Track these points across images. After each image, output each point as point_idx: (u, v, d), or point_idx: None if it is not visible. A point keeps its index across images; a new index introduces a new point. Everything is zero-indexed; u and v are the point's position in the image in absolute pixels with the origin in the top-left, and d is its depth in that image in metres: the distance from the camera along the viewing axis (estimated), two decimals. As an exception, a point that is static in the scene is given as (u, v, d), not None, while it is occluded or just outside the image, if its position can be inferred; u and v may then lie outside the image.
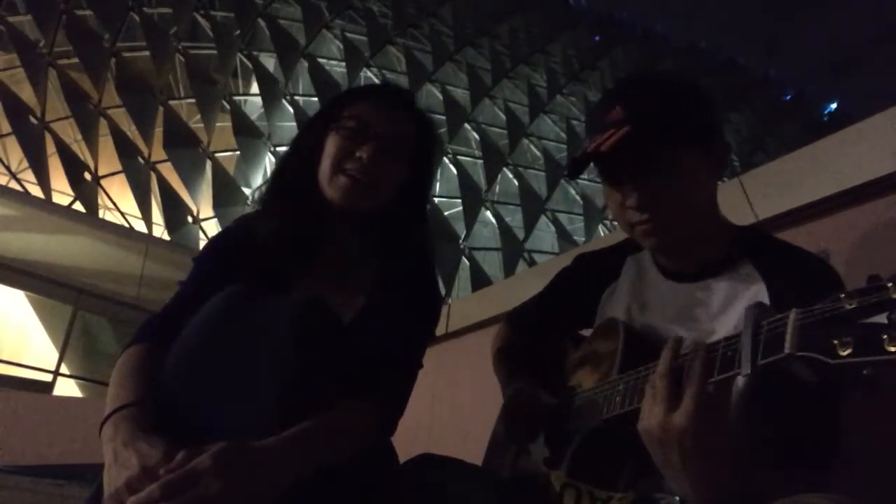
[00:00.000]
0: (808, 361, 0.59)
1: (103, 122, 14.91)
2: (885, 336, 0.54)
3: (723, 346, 0.71)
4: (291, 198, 1.11)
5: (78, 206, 13.60)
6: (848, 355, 0.56)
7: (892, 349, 0.53)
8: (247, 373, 0.89)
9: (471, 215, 16.45)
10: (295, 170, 1.14)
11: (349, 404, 0.94)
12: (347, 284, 1.10)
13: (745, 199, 1.51)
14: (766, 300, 0.88)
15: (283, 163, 1.18)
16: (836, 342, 0.56)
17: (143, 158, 14.73)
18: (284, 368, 0.90)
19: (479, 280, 14.87)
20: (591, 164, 0.98)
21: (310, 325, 0.93)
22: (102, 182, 14.73)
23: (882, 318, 0.54)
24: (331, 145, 1.10)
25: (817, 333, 0.59)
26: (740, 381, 0.85)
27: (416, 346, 1.11)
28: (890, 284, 0.55)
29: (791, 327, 0.61)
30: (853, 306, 0.57)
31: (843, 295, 0.58)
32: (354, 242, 1.13)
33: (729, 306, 0.93)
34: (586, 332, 1.17)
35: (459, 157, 17.53)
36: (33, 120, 14.67)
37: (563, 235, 17.19)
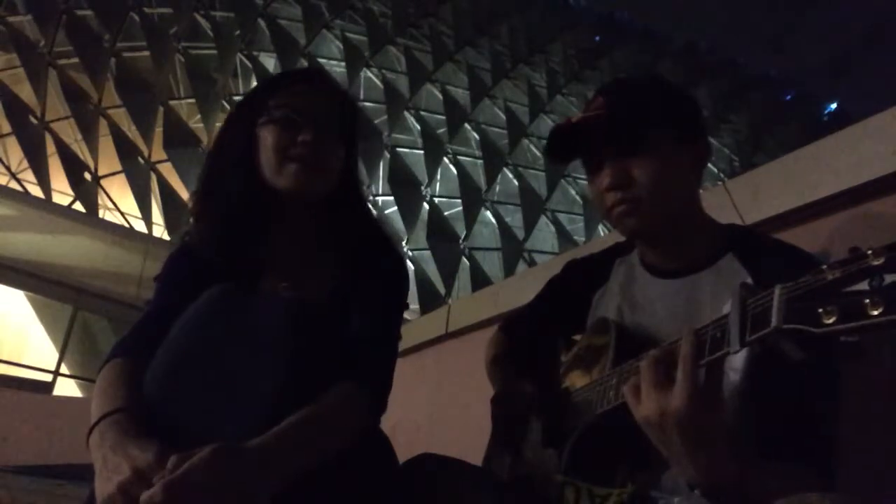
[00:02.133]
0: (795, 336, 0.60)
1: (103, 122, 14.91)
2: (868, 301, 0.54)
3: (711, 327, 0.72)
4: (229, 196, 1.09)
5: (78, 206, 13.61)
6: (833, 323, 0.56)
7: (875, 313, 0.54)
8: (240, 372, 0.89)
9: (471, 215, 16.45)
10: (227, 169, 1.11)
11: (337, 389, 0.94)
12: (312, 271, 1.10)
13: (745, 199, 1.51)
14: None
15: (210, 167, 1.15)
16: (820, 311, 0.57)
17: (143, 158, 14.73)
18: (278, 367, 0.90)
19: (479, 280, 14.88)
20: (565, 154, 1.03)
21: (301, 325, 0.93)
22: (102, 182, 14.73)
23: (864, 286, 0.55)
24: (268, 137, 1.08)
25: (802, 305, 0.60)
26: (733, 375, 0.86)
27: (393, 321, 1.12)
28: (870, 252, 0.56)
29: (777, 301, 0.62)
30: (836, 276, 0.58)
31: (825, 266, 0.59)
32: (310, 228, 1.13)
33: (717, 300, 0.94)
34: (579, 338, 1.18)
35: (459, 157, 17.53)
36: (33, 120, 14.67)
37: (563, 235, 17.20)
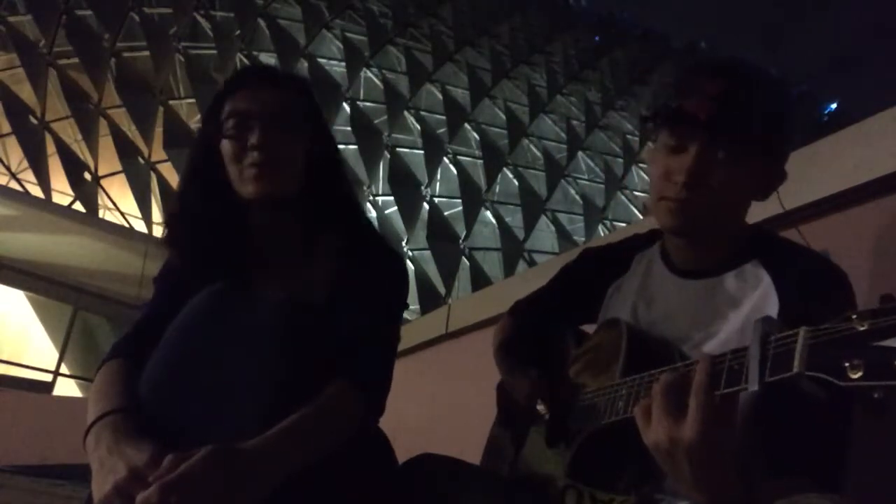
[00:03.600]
0: (816, 380, 0.59)
1: (103, 122, 14.92)
2: None
3: (729, 358, 0.70)
4: (196, 218, 1.07)
5: (78, 206, 13.61)
6: (858, 378, 0.55)
7: None
8: (235, 373, 0.89)
9: (471, 215, 16.44)
10: (194, 189, 1.10)
11: (332, 389, 0.94)
12: (305, 271, 1.09)
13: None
14: (775, 300, 0.88)
15: (180, 191, 1.13)
16: (846, 364, 0.55)
17: (143, 158, 14.74)
18: (273, 368, 0.90)
19: (479, 280, 14.86)
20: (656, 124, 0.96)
21: (296, 325, 0.94)
22: (102, 182, 14.74)
23: (894, 342, 0.53)
24: (226, 149, 1.06)
25: (827, 354, 0.58)
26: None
27: (392, 320, 1.10)
28: None
29: (800, 346, 0.60)
30: (865, 328, 0.55)
31: (854, 315, 0.57)
32: (292, 228, 1.11)
33: (736, 306, 0.92)
34: (589, 328, 1.17)
35: (459, 157, 17.52)
36: (33, 120, 14.68)
37: (563, 235, 17.19)
